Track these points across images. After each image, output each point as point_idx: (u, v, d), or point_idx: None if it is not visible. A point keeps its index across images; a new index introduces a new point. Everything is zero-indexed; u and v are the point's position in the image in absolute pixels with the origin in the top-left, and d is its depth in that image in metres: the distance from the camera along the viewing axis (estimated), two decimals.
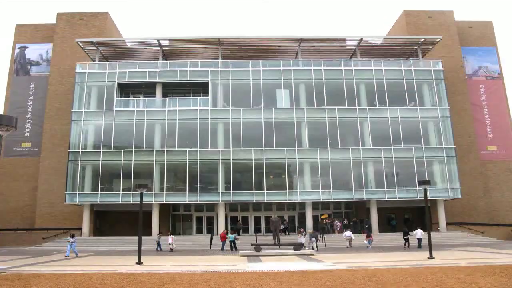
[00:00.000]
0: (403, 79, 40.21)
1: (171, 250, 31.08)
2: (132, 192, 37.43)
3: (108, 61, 42.33)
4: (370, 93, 39.99)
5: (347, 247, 32.66)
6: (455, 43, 46.44)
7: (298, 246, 27.34)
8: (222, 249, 31.63)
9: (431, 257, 21.21)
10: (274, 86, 40.41)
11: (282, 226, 37.98)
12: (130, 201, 37.32)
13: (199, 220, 41.76)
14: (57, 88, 45.06)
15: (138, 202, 36.73)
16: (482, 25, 48.91)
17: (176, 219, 42.40)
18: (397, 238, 36.26)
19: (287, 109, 39.49)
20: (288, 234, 38.54)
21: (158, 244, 31.80)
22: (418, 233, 31.57)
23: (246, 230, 41.01)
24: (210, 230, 39.95)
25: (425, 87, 40.61)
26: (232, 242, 31.36)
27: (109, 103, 39.67)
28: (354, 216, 41.79)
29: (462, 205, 42.06)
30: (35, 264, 20.74)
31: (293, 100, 39.70)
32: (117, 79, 40.18)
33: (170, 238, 31.30)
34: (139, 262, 20.77)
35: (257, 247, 27.42)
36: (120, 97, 40.79)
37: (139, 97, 41.36)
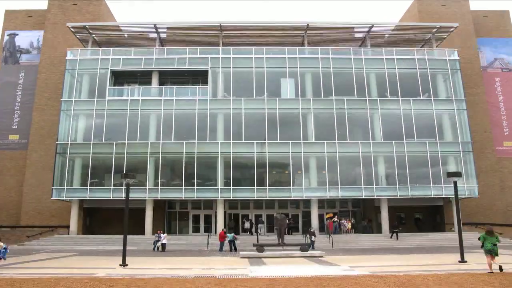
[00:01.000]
0: (416, 68, 37.13)
1: (162, 248, 28.06)
2: (124, 187, 34.32)
3: (101, 48, 39.23)
4: (381, 84, 36.93)
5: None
6: (470, 33, 43.35)
7: (305, 247, 24.28)
8: (221, 249, 28.49)
9: (462, 260, 18.12)
10: (279, 75, 37.31)
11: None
12: (122, 197, 34.16)
13: (196, 218, 38.62)
14: (48, 77, 41.91)
15: (132, 198, 33.98)
16: (498, 15, 45.83)
17: (172, 217, 39.24)
18: (408, 238, 33.28)
19: (292, 100, 36.41)
20: (291, 233, 35.46)
21: (155, 243, 28.73)
22: None
23: (246, 229, 37.97)
24: (208, 229, 36.81)
25: (440, 78, 37.52)
26: (231, 242, 28.28)
27: (101, 92, 36.57)
28: (363, 215, 38.77)
29: (477, 205, 38.92)
30: (3, 266, 17.63)
31: (299, 90, 36.60)
32: (110, 66, 37.09)
33: (163, 236, 28.24)
34: (124, 264, 17.73)
35: (259, 247, 24.33)
36: (114, 86, 37.72)
37: (134, 86, 38.28)
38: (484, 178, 39.17)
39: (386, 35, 41.51)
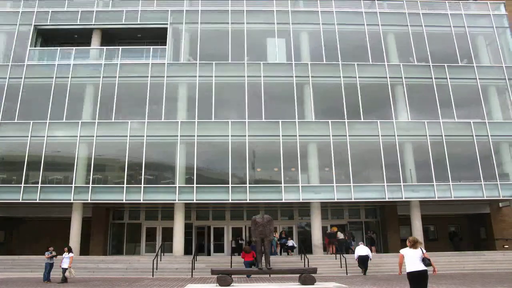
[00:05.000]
0: (450, 26, 26.37)
1: (64, 280, 16.32)
2: (40, 185, 22.71)
3: None
4: (404, 46, 25.98)
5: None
6: None
7: (309, 277, 12.67)
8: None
9: None
10: (264, 34, 26.30)
11: (275, 237, 23.30)
12: (37, 199, 22.52)
13: (151, 233, 26.79)
14: None
15: (49, 201, 22.30)
16: None
17: (118, 232, 27.22)
18: (452, 258, 21.76)
19: (282, 65, 25.30)
20: (280, 253, 23.81)
21: (47, 268, 16.86)
22: None
23: (219, 248, 26.20)
24: (167, 248, 24.98)
25: (481, 39, 26.72)
26: None
27: (20, 55, 25.30)
28: (381, 229, 27.18)
29: None
30: None
31: (292, 53, 25.52)
32: (34, 21, 25.88)
33: (66, 259, 16.49)
34: None
35: (223, 278, 12.69)
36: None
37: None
38: None
39: None
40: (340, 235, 24.53)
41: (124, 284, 15.91)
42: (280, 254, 23.72)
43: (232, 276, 13.53)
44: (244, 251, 20.43)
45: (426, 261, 8.61)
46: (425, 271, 8.54)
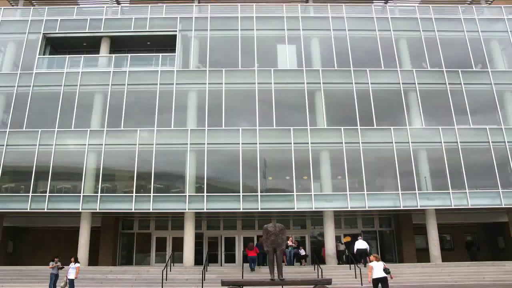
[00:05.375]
0: (463, 31, 25.83)
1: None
2: (48, 194, 22.33)
3: (33, 6, 27.98)
4: (416, 51, 25.47)
5: None
6: None
7: None
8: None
9: None
10: (274, 40, 25.92)
11: (289, 247, 22.69)
12: (45, 208, 22.14)
13: (161, 242, 26.28)
14: None
15: (57, 210, 21.92)
16: None
17: (128, 241, 26.73)
18: (470, 269, 20.99)
19: (293, 71, 24.86)
20: (292, 263, 23.16)
21: (52, 279, 16.40)
22: None
23: (231, 258, 25.61)
24: (177, 258, 24.46)
25: (495, 44, 26.06)
26: None
27: (29, 64, 25.14)
28: (396, 238, 26.44)
29: None
30: None
31: (303, 59, 25.09)
32: (43, 30, 25.75)
33: (73, 270, 16.02)
34: None
35: None
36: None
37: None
38: None
39: None
40: (341, 246, 23.89)
41: None
42: (293, 264, 23.07)
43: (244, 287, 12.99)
44: (248, 248, 21.58)
45: (386, 270, 12.75)
46: (385, 277, 12.62)
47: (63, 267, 17.01)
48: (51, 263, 16.67)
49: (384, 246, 26.72)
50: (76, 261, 16.42)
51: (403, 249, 25.22)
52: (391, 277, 12.81)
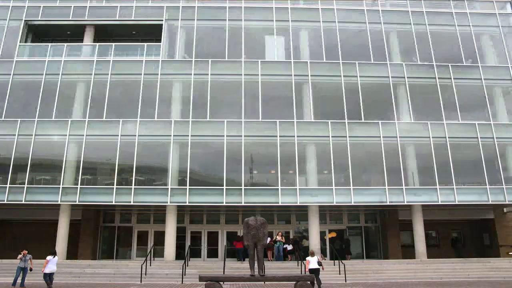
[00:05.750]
0: (454, 25, 25.36)
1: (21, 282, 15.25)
2: (26, 185, 21.64)
3: None
4: (407, 45, 24.97)
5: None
6: None
7: (306, 286, 11.55)
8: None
9: None
10: (263, 31, 25.25)
11: (278, 242, 22.35)
12: (22, 200, 21.44)
13: (143, 236, 25.63)
14: None
15: (35, 202, 21.26)
16: None
17: (109, 235, 26.05)
18: (456, 266, 20.58)
19: (281, 63, 24.26)
20: (282, 258, 22.62)
21: (18, 272, 15.79)
22: None
23: (214, 253, 25.08)
24: (159, 252, 23.89)
25: (486, 39, 25.59)
26: None
27: (10, 52, 24.40)
28: (381, 233, 26.04)
29: None
30: None
31: (291, 51, 24.49)
32: (25, 17, 24.95)
33: (51, 262, 15.36)
34: None
35: (211, 284, 11.58)
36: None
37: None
38: None
39: None
40: (306, 243, 23.38)
41: None
42: (284, 259, 22.56)
43: (231, 283, 12.44)
44: (236, 240, 22.46)
45: (319, 263, 15.72)
46: (318, 268, 15.56)
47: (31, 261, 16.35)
48: (19, 255, 16.02)
49: (369, 242, 26.33)
50: (53, 253, 15.74)
51: (388, 245, 24.84)
52: (322, 269, 15.78)
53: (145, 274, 18.51)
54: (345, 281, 18.19)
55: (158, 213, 24.81)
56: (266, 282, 16.25)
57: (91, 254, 24.14)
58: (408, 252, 24.27)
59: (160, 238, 24.09)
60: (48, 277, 15.16)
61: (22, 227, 25.88)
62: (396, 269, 20.20)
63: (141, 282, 17.81)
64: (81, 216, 24.37)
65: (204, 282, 12.18)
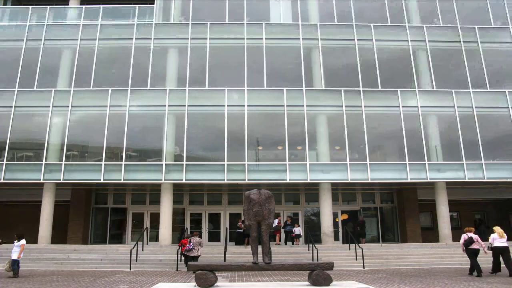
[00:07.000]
0: None
1: (15, 275, 12.73)
2: (5, 162, 19.11)
3: None
4: (428, 5, 22.08)
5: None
6: None
7: (324, 276, 9.01)
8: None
9: None
10: None
11: (277, 223, 19.88)
12: (1, 179, 18.96)
13: (139, 218, 23.22)
14: None
15: (16, 181, 18.78)
16: None
17: (102, 217, 23.63)
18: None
19: (288, 26, 21.42)
20: (284, 242, 20.14)
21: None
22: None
23: (215, 237, 22.64)
24: (156, 237, 21.50)
25: None
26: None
27: None
28: (398, 216, 23.43)
29: None
30: None
31: (298, 12, 21.65)
32: None
33: (17, 248, 12.92)
34: None
35: (203, 273, 9.04)
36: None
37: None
38: None
39: None
40: (296, 231, 20.61)
41: (87, 279, 12.33)
42: (285, 243, 20.12)
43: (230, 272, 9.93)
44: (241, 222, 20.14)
45: None
46: None
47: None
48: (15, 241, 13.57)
49: (385, 224, 23.78)
50: (21, 238, 13.31)
51: (406, 228, 22.25)
52: None
53: (136, 260, 16.12)
54: (363, 267, 15.71)
55: (154, 193, 22.26)
56: (273, 271, 13.71)
57: (82, 238, 21.74)
58: (428, 235, 21.73)
59: (157, 220, 21.52)
60: (17, 264, 12.72)
61: (5, 209, 23.45)
62: (420, 253, 17.64)
63: (130, 269, 15.36)
64: (70, 197, 22.01)
65: (193, 272, 9.65)
